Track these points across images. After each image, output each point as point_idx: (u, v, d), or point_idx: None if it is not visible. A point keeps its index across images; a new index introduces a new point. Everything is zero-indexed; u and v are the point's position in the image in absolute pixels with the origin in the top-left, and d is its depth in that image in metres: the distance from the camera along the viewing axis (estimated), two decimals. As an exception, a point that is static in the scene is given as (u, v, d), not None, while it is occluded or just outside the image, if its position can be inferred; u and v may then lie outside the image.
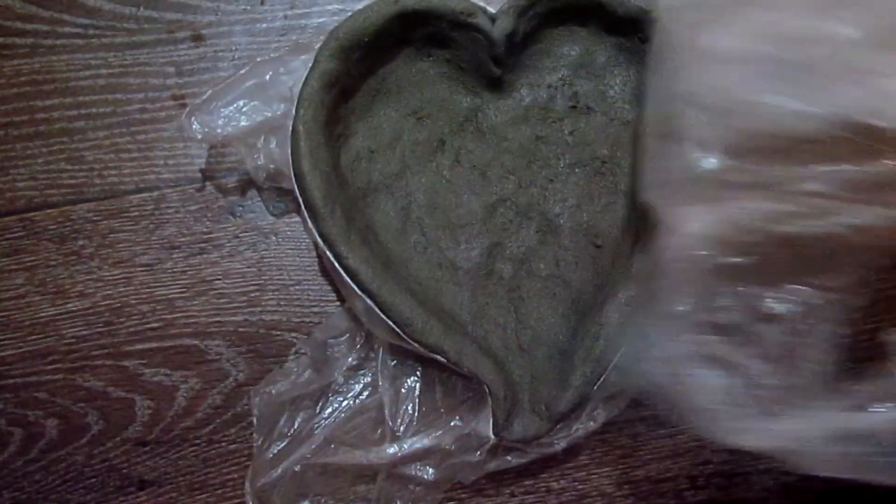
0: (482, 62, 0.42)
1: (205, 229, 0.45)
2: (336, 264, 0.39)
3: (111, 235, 0.45)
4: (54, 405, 0.45)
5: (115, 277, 0.45)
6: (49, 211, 0.45)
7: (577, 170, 0.44)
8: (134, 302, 0.45)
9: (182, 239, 0.45)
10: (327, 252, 0.39)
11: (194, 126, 0.41)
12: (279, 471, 0.42)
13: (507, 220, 0.44)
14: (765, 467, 0.45)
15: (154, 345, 0.45)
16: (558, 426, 0.40)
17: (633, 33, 0.41)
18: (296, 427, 0.43)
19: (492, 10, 0.40)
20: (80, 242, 0.45)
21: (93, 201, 0.45)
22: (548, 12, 0.42)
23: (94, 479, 0.45)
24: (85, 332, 0.45)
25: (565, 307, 0.42)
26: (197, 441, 0.45)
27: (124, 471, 0.45)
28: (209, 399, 0.45)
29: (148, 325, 0.45)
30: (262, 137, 0.42)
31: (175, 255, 0.45)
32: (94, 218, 0.45)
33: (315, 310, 0.45)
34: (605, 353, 0.38)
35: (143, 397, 0.45)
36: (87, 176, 0.45)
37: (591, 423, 0.41)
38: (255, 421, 0.43)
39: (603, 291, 0.40)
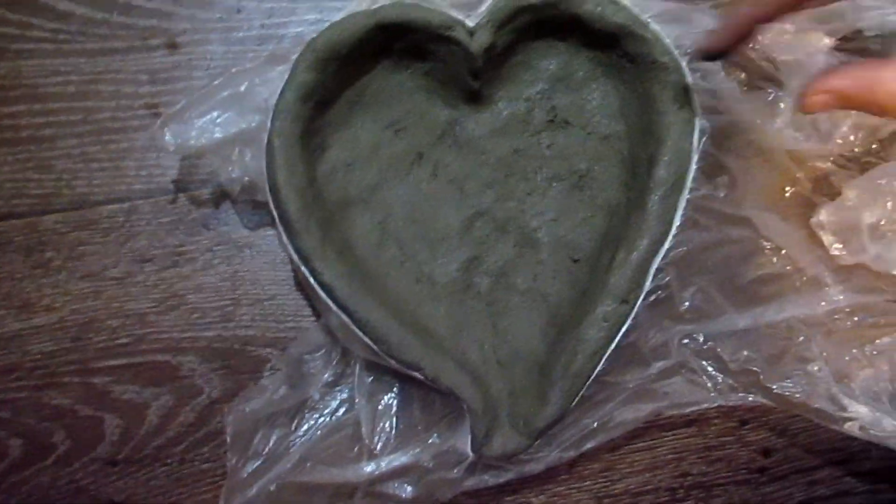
0: (460, 75, 0.42)
1: (177, 242, 0.44)
2: (311, 280, 0.38)
3: (80, 247, 0.44)
4: (18, 424, 0.43)
5: (84, 291, 0.44)
6: (15, 222, 0.44)
7: (555, 183, 0.44)
8: (103, 316, 0.44)
9: (154, 252, 0.44)
10: (302, 267, 0.38)
11: (168, 137, 0.40)
12: (254, 490, 0.41)
13: (484, 233, 0.44)
14: (743, 478, 0.45)
15: (124, 361, 0.44)
16: (537, 442, 0.40)
17: (611, 48, 0.41)
18: (271, 445, 0.42)
19: (470, 23, 0.40)
20: (48, 254, 0.44)
21: (61, 212, 0.44)
22: (526, 26, 0.41)
23: (60, 502, 0.43)
24: (51, 348, 0.44)
25: (543, 321, 0.42)
26: (169, 460, 0.44)
27: (92, 492, 0.44)
28: (181, 417, 0.44)
29: (118, 341, 0.44)
30: (237, 149, 0.41)
31: (146, 269, 0.44)
32: (63, 229, 0.44)
33: (290, 325, 0.45)
34: (583, 368, 0.38)
35: (113, 415, 0.44)
36: (56, 186, 0.44)
37: (573, 451, 0.41)
38: (229, 439, 0.42)
39: (581, 306, 0.40)
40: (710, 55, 0.37)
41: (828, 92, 0.34)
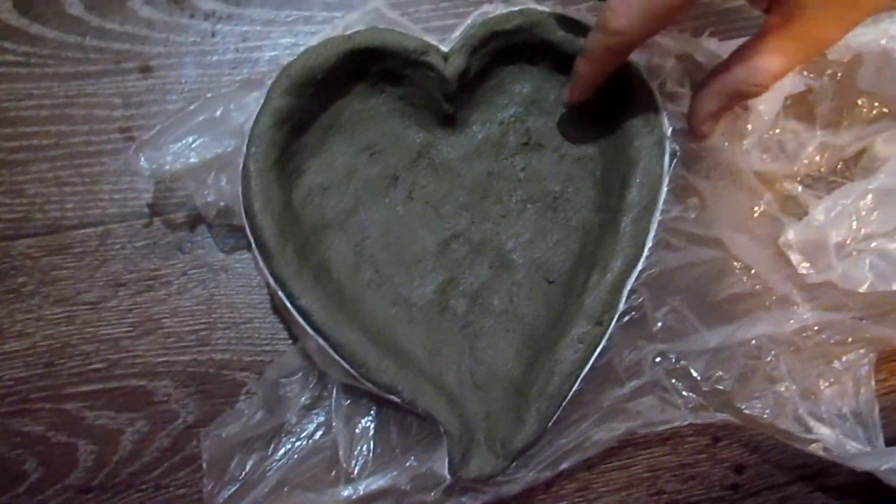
0: (435, 99, 0.42)
1: (152, 266, 0.44)
2: (288, 304, 0.38)
3: (53, 272, 0.44)
4: (-11, 452, 0.43)
5: (57, 316, 0.43)
6: (-14, 247, 0.44)
7: (529, 206, 0.44)
8: (76, 342, 0.43)
9: (128, 276, 0.44)
10: (279, 292, 0.38)
11: (143, 162, 0.40)
12: (231, 516, 0.41)
13: (460, 255, 0.44)
14: (717, 496, 0.46)
15: (98, 386, 0.43)
16: (514, 463, 0.40)
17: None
18: (248, 470, 0.42)
19: (444, 48, 0.41)
20: (20, 279, 0.43)
21: (33, 237, 0.44)
22: (499, 51, 0.42)
23: (33, 530, 0.43)
24: (23, 374, 0.43)
25: (519, 343, 0.42)
26: (143, 487, 0.43)
27: (66, 520, 0.43)
28: (157, 442, 0.43)
29: (91, 366, 0.43)
30: (213, 174, 0.41)
31: (121, 293, 0.44)
32: (35, 254, 0.44)
33: (267, 348, 0.44)
34: (559, 390, 0.38)
35: (86, 441, 0.43)
36: (28, 210, 0.44)
37: (549, 472, 0.41)
38: (205, 464, 0.42)
39: (556, 327, 0.41)
40: (574, 104, 0.41)
41: (710, 114, 0.37)
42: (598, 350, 0.39)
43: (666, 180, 0.39)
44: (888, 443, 0.43)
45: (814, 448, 0.42)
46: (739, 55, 0.35)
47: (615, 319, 0.39)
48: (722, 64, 0.36)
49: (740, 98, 0.36)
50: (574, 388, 0.39)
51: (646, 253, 0.39)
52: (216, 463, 0.42)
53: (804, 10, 0.32)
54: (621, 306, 0.39)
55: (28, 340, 0.43)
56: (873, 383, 0.43)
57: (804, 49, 0.34)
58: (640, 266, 0.39)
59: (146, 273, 0.44)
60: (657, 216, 0.39)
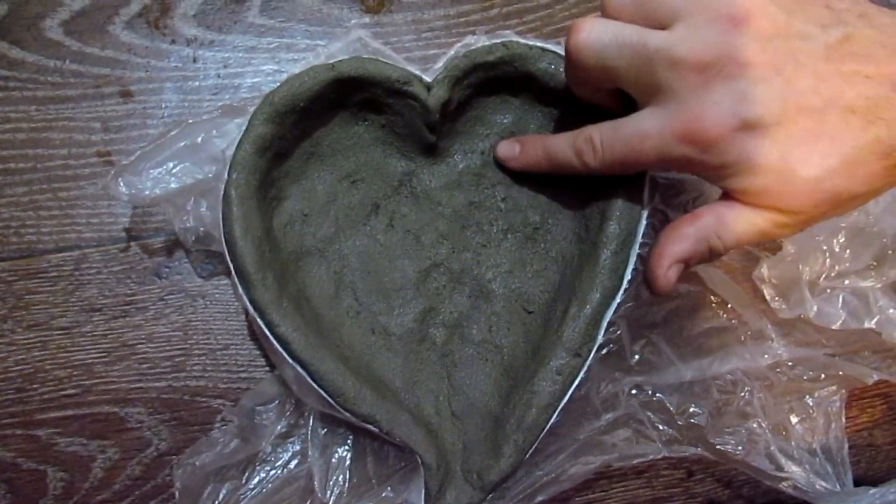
0: (417, 128, 0.42)
1: (128, 291, 0.44)
2: (267, 332, 0.38)
3: (27, 297, 0.43)
4: (-43, 479, 0.42)
5: (30, 341, 0.43)
6: (-42, 269, 0.43)
7: (509, 235, 0.45)
8: (49, 367, 0.43)
9: (103, 301, 0.44)
10: (258, 319, 0.38)
11: (121, 187, 0.39)
12: (203, 547, 0.40)
13: (440, 284, 0.44)
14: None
15: (70, 412, 0.43)
16: (490, 495, 0.40)
17: (563, 105, 0.42)
18: (221, 499, 0.41)
19: (427, 78, 0.41)
20: (-8, 304, 0.43)
21: (8, 260, 0.43)
22: (481, 82, 0.42)
23: (-1, 560, 0.42)
24: (-7, 400, 0.42)
25: (498, 373, 0.42)
26: (114, 516, 0.43)
27: (33, 549, 0.42)
28: (128, 470, 0.43)
29: (64, 392, 0.43)
30: (192, 199, 0.41)
31: (95, 318, 0.43)
32: (9, 278, 0.43)
33: (243, 375, 0.44)
34: (536, 421, 0.38)
35: (56, 469, 0.42)
36: (3, 234, 0.43)
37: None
38: (177, 493, 0.41)
39: (535, 358, 0.41)
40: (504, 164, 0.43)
41: (675, 262, 0.35)
42: (577, 382, 0.39)
43: (646, 213, 0.39)
44: (858, 481, 0.43)
45: (784, 486, 0.42)
46: (713, 208, 0.35)
47: (594, 351, 0.39)
48: (691, 213, 0.35)
49: (705, 250, 0.35)
50: (552, 420, 0.39)
51: (624, 286, 0.39)
52: (189, 492, 0.41)
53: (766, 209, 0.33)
54: (600, 338, 0.39)
55: (-1, 366, 0.43)
56: (844, 420, 0.44)
57: (765, 231, 0.33)
58: (618, 298, 0.39)
59: (122, 298, 0.44)
60: (636, 249, 0.39)
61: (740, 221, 0.33)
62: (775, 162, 0.31)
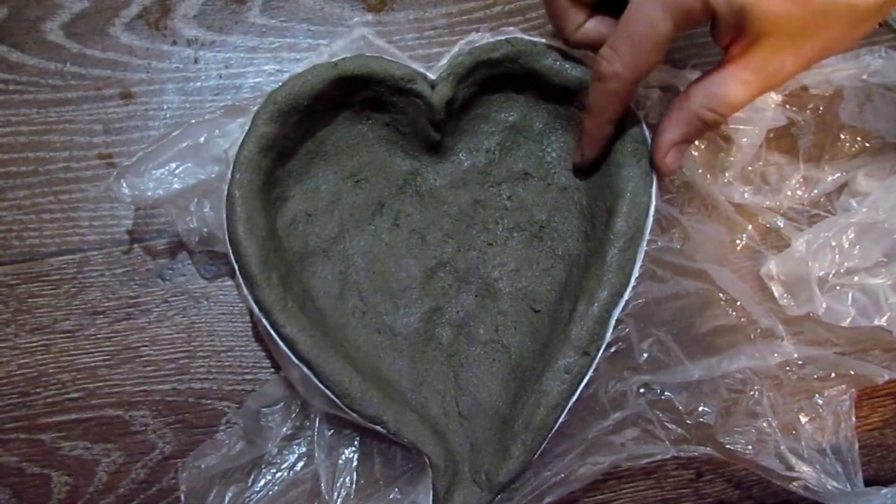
0: (421, 127, 0.42)
1: (131, 293, 0.44)
2: (272, 332, 0.38)
3: (30, 300, 0.43)
4: (-39, 484, 0.42)
5: (33, 345, 0.43)
6: (-39, 273, 0.43)
7: (515, 234, 0.44)
8: (53, 371, 0.43)
9: (107, 304, 0.43)
10: (263, 320, 0.38)
11: (124, 188, 0.39)
12: (209, 550, 0.40)
13: (446, 284, 0.44)
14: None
15: (74, 416, 0.42)
16: (498, 497, 0.39)
17: (568, 101, 0.42)
18: (226, 502, 0.41)
19: (431, 76, 0.41)
20: (-5, 308, 0.43)
21: (10, 264, 0.43)
22: (486, 79, 0.42)
23: (4, 565, 0.42)
24: (-3, 404, 0.42)
25: (505, 373, 0.42)
26: (119, 520, 0.42)
27: (38, 554, 0.42)
28: (133, 474, 0.43)
29: (67, 395, 0.43)
30: (195, 200, 0.40)
31: (99, 321, 0.43)
32: (12, 282, 0.43)
33: (248, 377, 0.44)
34: (545, 421, 0.38)
35: (61, 473, 0.42)
36: (5, 238, 0.43)
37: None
38: (182, 497, 0.41)
39: (542, 357, 0.40)
40: (587, 164, 0.41)
41: (670, 147, 0.37)
42: (585, 381, 0.39)
43: (652, 211, 0.39)
44: (869, 481, 0.43)
45: (794, 486, 0.42)
46: (698, 83, 0.36)
47: (602, 349, 0.39)
48: (682, 93, 0.37)
49: (701, 126, 0.36)
50: (560, 420, 0.38)
51: (632, 283, 0.39)
52: (194, 495, 0.41)
53: (762, 43, 0.33)
54: (608, 337, 0.39)
55: (3, 369, 0.42)
56: (853, 419, 0.43)
57: (761, 80, 0.34)
58: (626, 296, 0.39)
59: (125, 301, 0.43)
60: (643, 247, 0.39)
61: (730, 85, 0.34)
62: None
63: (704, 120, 0.35)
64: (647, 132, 0.39)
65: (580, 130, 0.41)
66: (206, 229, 0.40)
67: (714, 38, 0.35)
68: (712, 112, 0.35)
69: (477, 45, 0.41)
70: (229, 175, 0.38)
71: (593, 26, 0.38)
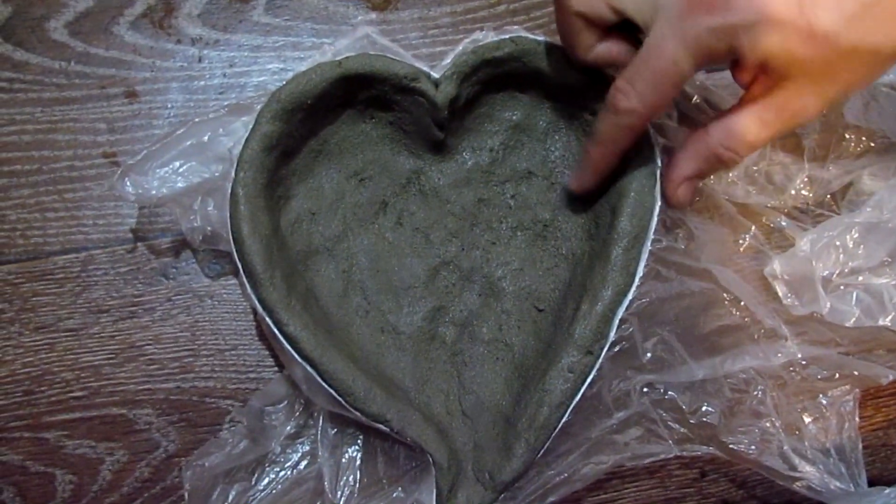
0: (425, 125, 0.42)
1: (135, 292, 0.44)
2: (276, 331, 0.38)
3: (34, 299, 0.43)
4: (-34, 482, 0.42)
5: (37, 343, 0.43)
6: (-34, 272, 0.43)
7: (519, 233, 0.44)
8: (57, 369, 0.43)
9: (111, 302, 0.43)
10: (267, 318, 0.38)
11: (128, 187, 0.39)
12: (213, 549, 0.40)
13: (449, 283, 0.44)
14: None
15: (78, 415, 0.43)
16: (502, 496, 0.39)
17: (572, 100, 0.42)
18: (230, 501, 0.41)
19: (435, 74, 0.41)
20: (0, 306, 0.43)
21: (14, 263, 0.43)
22: (490, 78, 0.42)
23: (8, 563, 0.42)
24: (2, 402, 0.42)
25: (508, 372, 0.42)
26: (123, 518, 0.42)
27: (43, 552, 0.42)
28: (137, 472, 0.43)
29: (71, 394, 0.43)
30: (199, 199, 0.40)
31: (103, 320, 0.43)
32: (16, 280, 0.43)
33: (252, 376, 0.44)
34: (548, 420, 0.38)
35: (65, 471, 0.42)
36: (9, 236, 0.43)
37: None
38: (186, 495, 0.41)
39: (546, 356, 0.40)
40: (584, 192, 0.41)
41: (686, 179, 0.37)
42: (589, 380, 0.38)
43: (657, 210, 0.39)
44: (873, 481, 0.43)
45: (798, 486, 0.42)
46: (718, 120, 0.35)
47: (605, 349, 0.39)
48: (701, 127, 0.36)
49: (716, 164, 0.36)
50: (564, 419, 0.38)
51: (636, 283, 0.39)
52: (198, 494, 0.41)
53: (785, 84, 0.32)
54: (612, 336, 0.39)
55: (7, 368, 0.42)
56: (857, 420, 0.43)
57: (782, 121, 0.34)
58: (630, 296, 0.39)
59: (129, 299, 0.43)
60: (647, 246, 0.39)
61: (750, 125, 0.34)
62: (788, 12, 0.30)
63: (721, 158, 0.35)
64: (651, 132, 0.39)
65: (582, 157, 0.40)
66: (209, 228, 0.41)
67: (734, 76, 0.34)
68: (729, 151, 0.34)
69: (481, 43, 0.41)
70: (233, 173, 0.38)
71: (606, 48, 0.38)
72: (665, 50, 0.32)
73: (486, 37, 0.41)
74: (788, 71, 0.31)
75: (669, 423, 0.42)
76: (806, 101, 0.33)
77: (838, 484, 0.41)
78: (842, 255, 0.42)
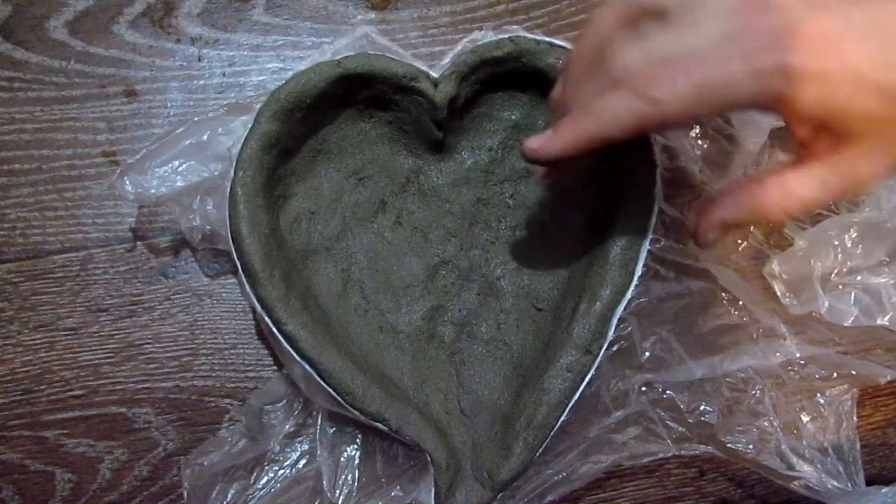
0: (424, 125, 0.42)
1: (135, 291, 0.44)
2: (275, 330, 0.38)
3: (33, 297, 0.43)
4: (-35, 481, 0.42)
5: (37, 342, 0.43)
6: (-35, 271, 0.43)
7: (517, 233, 0.44)
8: (56, 368, 0.43)
9: (110, 301, 0.43)
10: (265, 317, 0.38)
11: (127, 186, 0.39)
12: (211, 547, 0.40)
13: (448, 282, 0.44)
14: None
15: (77, 413, 0.43)
16: (500, 494, 0.39)
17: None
18: (229, 500, 0.41)
19: (434, 74, 0.41)
20: (-1, 305, 0.43)
21: (14, 262, 0.43)
22: (489, 78, 0.42)
23: (7, 561, 0.42)
24: (1, 401, 0.42)
25: (507, 371, 0.42)
26: (122, 516, 0.43)
27: (42, 550, 0.42)
28: (136, 471, 0.43)
29: (71, 393, 0.43)
30: (199, 198, 0.41)
31: (102, 319, 0.43)
32: (15, 279, 0.43)
33: (251, 375, 0.44)
34: (547, 419, 0.38)
35: (64, 470, 0.42)
36: (9, 235, 0.43)
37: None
38: (185, 494, 0.41)
39: (544, 356, 0.40)
40: (535, 162, 0.35)
41: (719, 224, 0.33)
42: (587, 379, 0.39)
43: (656, 210, 0.39)
44: (871, 480, 0.43)
45: (796, 486, 0.42)
46: (778, 176, 0.31)
47: (604, 348, 0.39)
48: (756, 177, 0.32)
49: (763, 219, 0.33)
50: (562, 418, 0.38)
51: (635, 282, 0.39)
52: (197, 493, 0.41)
53: (854, 144, 0.29)
54: (610, 335, 0.39)
55: (6, 367, 0.42)
56: (855, 419, 0.43)
57: (845, 185, 0.30)
58: (628, 295, 0.39)
59: (128, 298, 0.43)
60: (646, 245, 0.39)
61: (811, 186, 0.31)
62: (871, 66, 0.27)
63: (770, 216, 0.32)
64: (651, 132, 0.40)
65: (558, 124, 0.33)
66: (209, 227, 0.41)
67: (790, 126, 0.31)
68: (784, 211, 0.31)
69: (480, 43, 0.41)
70: (232, 173, 0.38)
71: None
72: (729, 65, 0.28)
73: (486, 36, 0.41)
74: (859, 128, 0.28)
75: (668, 422, 0.42)
76: (876, 164, 0.30)
77: (836, 483, 0.41)
78: (840, 255, 0.42)
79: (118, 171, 0.39)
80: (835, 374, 0.43)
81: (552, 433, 0.38)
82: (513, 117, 0.44)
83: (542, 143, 0.34)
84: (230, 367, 0.44)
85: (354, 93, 0.41)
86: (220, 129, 0.41)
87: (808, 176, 0.31)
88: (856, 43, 0.27)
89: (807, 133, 0.30)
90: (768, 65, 0.27)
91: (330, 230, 0.43)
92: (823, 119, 0.28)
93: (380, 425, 0.38)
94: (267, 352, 0.44)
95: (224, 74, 0.45)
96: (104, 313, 0.43)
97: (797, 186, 0.31)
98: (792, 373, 0.43)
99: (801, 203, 0.31)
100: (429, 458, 0.38)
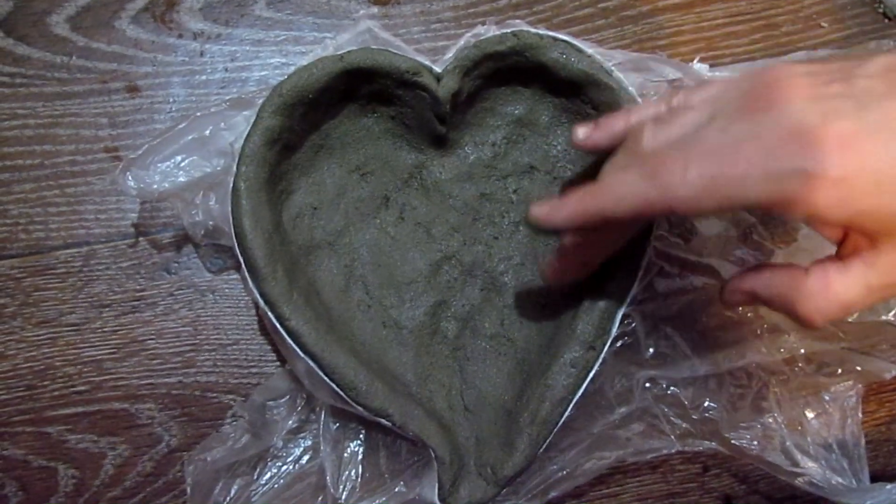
0: (427, 120, 0.42)
1: (137, 287, 0.44)
2: (278, 325, 0.38)
3: (36, 293, 0.43)
4: (-32, 476, 0.42)
5: (39, 338, 0.43)
6: (-33, 267, 0.43)
7: (521, 228, 0.44)
8: (59, 364, 0.43)
9: (113, 297, 0.43)
10: (269, 313, 0.38)
11: (129, 182, 0.39)
12: (215, 543, 0.40)
13: (451, 277, 0.44)
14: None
15: (80, 409, 0.43)
16: (504, 490, 0.39)
17: (575, 95, 0.42)
18: (232, 495, 0.41)
19: (437, 68, 0.40)
20: (2, 301, 0.43)
21: (16, 257, 0.43)
22: (492, 73, 0.42)
23: (10, 557, 0.42)
24: (4, 397, 0.42)
25: (511, 367, 0.42)
26: (125, 512, 0.43)
27: (45, 546, 0.42)
28: (139, 466, 0.43)
29: (74, 389, 0.43)
30: (201, 193, 0.40)
31: (105, 314, 0.43)
32: (18, 275, 0.43)
33: (254, 370, 0.44)
34: (550, 415, 0.38)
35: (67, 466, 0.42)
36: (11, 231, 0.43)
37: (538, 500, 0.41)
38: (188, 490, 0.41)
39: (548, 351, 0.40)
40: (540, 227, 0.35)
41: (748, 293, 0.32)
42: (591, 375, 0.39)
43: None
44: (876, 476, 0.43)
45: (800, 482, 0.42)
46: (824, 277, 0.29)
47: (608, 344, 0.39)
48: (802, 269, 0.30)
49: (789, 311, 0.30)
50: (566, 414, 0.38)
51: (638, 278, 0.39)
52: (200, 488, 0.41)
53: (891, 239, 0.27)
54: (614, 331, 0.39)
55: (9, 362, 0.42)
56: (860, 415, 0.43)
57: (885, 288, 0.28)
58: (633, 291, 0.39)
59: (131, 294, 0.43)
60: (651, 241, 0.39)
61: (854, 289, 0.28)
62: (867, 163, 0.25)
63: (815, 322, 0.29)
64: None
65: (566, 244, 0.35)
66: (211, 222, 0.41)
67: (815, 229, 0.30)
68: (822, 315, 0.29)
69: (483, 38, 0.41)
70: (235, 168, 0.38)
71: None
72: (742, 163, 0.27)
73: (489, 31, 0.41)
74: (892, 229, 0.27)
75: (672, 418, 0.42)
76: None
77: (840, 479, 0.41)
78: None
79: (120, 166, 0.39)
80: (839, 370, 0.43)
81: (556, 429, 0.38)
82: (516, 112, 0.44)
83: (547, 210, 0.34)
84: (233, 362, 0.44)
85: (357, 88, 0.41)
86: (222, 124, 0.40)
87: (852, 277, 0.28)
88: (872, 144, 0.25)
89: (835, 234, 0.29)
90: (785, 168, 0.26)
91: (333, 225, 0.43)
92: (847, 223, 0.27)
93: (383, 421, 0.38)
94: (270, 347, 0.44)
95: (226, 69, 0.45)
96: (107, 309, 0.43)
97: (842, 289, 0.28)
98: (796, 369, 0.43)
99: (844, 309, 0.29)
100: (432, 454, 0.38)
